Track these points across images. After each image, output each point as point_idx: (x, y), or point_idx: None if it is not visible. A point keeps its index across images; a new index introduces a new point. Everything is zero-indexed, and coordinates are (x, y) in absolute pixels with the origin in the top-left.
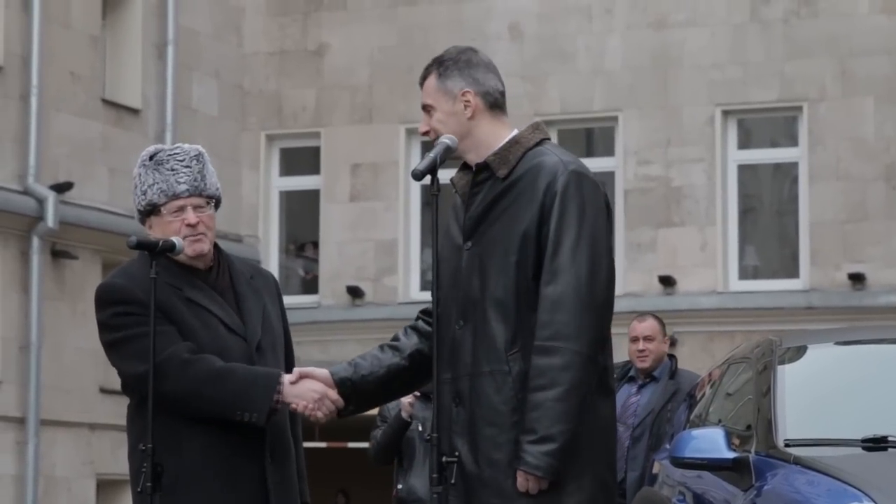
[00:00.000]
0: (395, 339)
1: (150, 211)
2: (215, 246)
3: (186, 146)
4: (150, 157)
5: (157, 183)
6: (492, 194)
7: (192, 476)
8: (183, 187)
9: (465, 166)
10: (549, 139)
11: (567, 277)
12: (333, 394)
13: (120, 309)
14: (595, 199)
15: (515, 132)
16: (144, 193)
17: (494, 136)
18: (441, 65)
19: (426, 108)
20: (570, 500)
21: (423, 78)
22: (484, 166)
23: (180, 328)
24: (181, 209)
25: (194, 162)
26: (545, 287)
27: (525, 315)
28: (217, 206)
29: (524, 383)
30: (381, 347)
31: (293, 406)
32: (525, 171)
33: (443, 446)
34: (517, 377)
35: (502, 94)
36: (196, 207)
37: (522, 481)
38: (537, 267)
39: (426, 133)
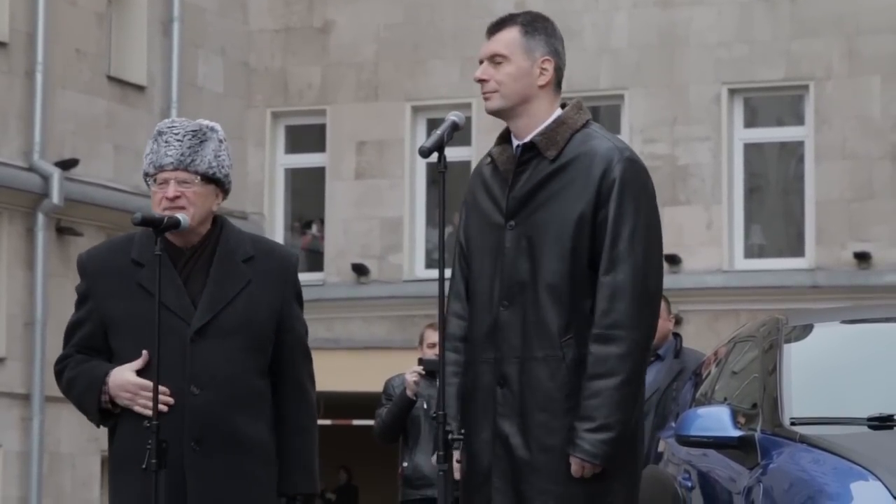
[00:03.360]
0: (456, 336)
1: (148, 182)
2: (216, 222)
3: (190, 121)
4: (158, 129)
5: (151, 154)
6: (539, 175)
7: (122, 460)
8: (168, 160)
9: (502, 139)
10: (592, 120)
11: (627, 266)
12: (146, 384)
13: (77, 284)
14: (649, 188)
15: (559, 111)
16: (144, 164)
17: (547, 112)
18: (528, 23)
19: (494, 58)
20: (622, 489)
21: (498, 27)
22: (530, 146)
23: (110, 307)
24: (166, 182)
25: (189, 137)
26: (605, 275)
27: (578, 302)
28: (219, 185)
29: (577, 370)
30: (460, 357)
31: (119, 400)
32: (577, 155)
33: (450, 422)
34: (571, 364)
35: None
36: (181, 182)
37: (577, 468)
38: (591, 253)
39: (484, 81)
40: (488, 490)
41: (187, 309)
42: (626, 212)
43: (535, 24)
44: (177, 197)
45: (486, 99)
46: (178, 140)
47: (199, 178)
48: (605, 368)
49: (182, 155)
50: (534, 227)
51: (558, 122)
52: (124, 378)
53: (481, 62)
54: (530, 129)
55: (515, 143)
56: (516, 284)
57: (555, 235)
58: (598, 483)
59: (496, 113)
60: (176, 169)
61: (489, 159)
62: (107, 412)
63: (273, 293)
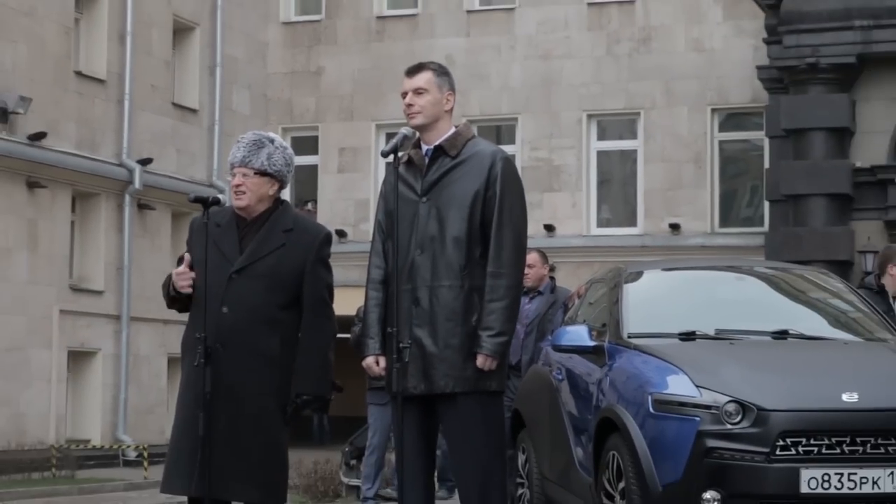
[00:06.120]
0: (377, 280)
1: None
2: (276, 204)
3: (256, 134)
4: (238, 138)
5: (230, 155)
6: (444, 167)
7: (185, 348)
8: (236, 159)
9: (416, 145)
10: (475, 134)
11: (509, 228)
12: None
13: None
14: (519, 178)
15: (453, 128)
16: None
17: (448, 127)
18: (438, 68)
19: (418, 91)
20: (497, 376)
21: (417, 70)
22: (439, 148)
23: (193, 250)
24: (235, 174)
25: (250, 144)
26: (496, 232)
27: (472, 249)
28: (273, 178)
29: (470, 294)
30: (378, 293)
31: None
32: (471, 154)
33: (400, 336)
34: (467, 290)
35: None
36: (243, 175)
37: (483, 360)
38: (482, 217)
39: (411, 105)
40: (406, 379)
41: (235, 256)
42: (508, 190)
43: (444, 70)
44: (239, 185)
45: (411, 117)
46: (244, 146)
47: (253, 172)
48: (499, 294)
49: (244, 157)
50: (441, 200)
51: (456, 134)
52: (172, 272)
53: (405, 93)
54: (437, 138)
55: (425, 147)
56: (427, 238)
57: (458, 205)
58: (484, 371)
59: (417, 127)
60: (240, 165)
61: (405, 159)
62: (173, 299)
63: (299, 255)
